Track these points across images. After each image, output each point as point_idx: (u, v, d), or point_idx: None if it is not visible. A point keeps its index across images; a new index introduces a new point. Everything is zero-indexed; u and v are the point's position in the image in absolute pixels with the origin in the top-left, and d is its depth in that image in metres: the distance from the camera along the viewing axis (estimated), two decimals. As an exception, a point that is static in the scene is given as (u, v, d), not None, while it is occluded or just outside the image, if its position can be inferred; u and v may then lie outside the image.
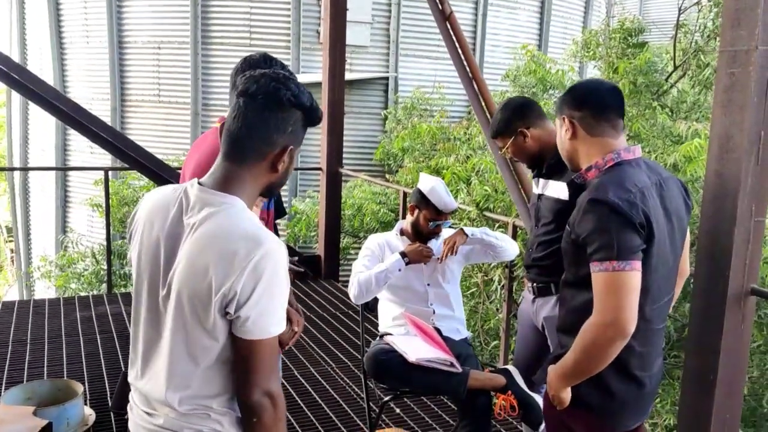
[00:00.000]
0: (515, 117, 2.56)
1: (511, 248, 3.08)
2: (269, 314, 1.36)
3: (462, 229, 3.01)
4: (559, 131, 2.01)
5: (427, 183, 2.99)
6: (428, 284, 3.01)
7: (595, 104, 1.91)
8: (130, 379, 1.53)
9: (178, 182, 1.87)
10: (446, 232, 3.07)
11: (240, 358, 1.38)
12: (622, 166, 1.86)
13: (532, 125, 2.54)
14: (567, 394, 1.88)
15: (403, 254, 2.90)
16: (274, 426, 1.40)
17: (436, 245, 3.04)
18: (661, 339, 1.98)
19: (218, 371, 1.41)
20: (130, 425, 1.54)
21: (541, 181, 2.59)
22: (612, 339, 1.71)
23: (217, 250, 1.34)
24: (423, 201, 2.97)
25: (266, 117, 1.41)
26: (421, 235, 3.03)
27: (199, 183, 1.44)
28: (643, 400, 1.93)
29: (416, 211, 3.01)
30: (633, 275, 1.70)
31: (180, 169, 2.86)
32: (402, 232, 3.10)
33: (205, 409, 1.43)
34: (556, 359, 1.93)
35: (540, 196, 2.59)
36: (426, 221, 2.98)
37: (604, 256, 1.70)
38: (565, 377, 1.85)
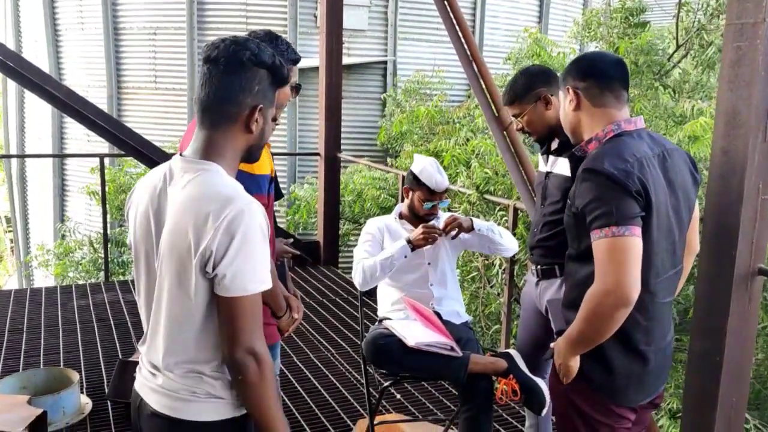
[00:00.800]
0: (539, 81, 2.45)
1: (511, 247, 3.04)
2: (246, 271, 1.38)
3: (472, 219, 2.95)
4: (563, 103, 1.99)
5: (419, 163, 2.94)
6: (428, 263, 2.96)
7: (600, 74, 1.90)
8: (139, 344, 1.59)
9: None
10: (443, 217, 3.02)
11: (222, 318, 1.41)
12: (622, 137, 1.85)
13: (554, 93, 2.44)
14: (575, 363, 1.86)
15: (408, 240, 2.85)
16: (261, 385, 1.42)
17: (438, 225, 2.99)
18: (669, 313, 1.95)
19: (209, 337, 1.45)
20: (136, 384, 1.60)
21: (551, 158, 2.50)
22: (614, 306, 1.69)
23: (194, 213, 1.39)
24: (415, 182, 2.93)
25: (231, 79, 1.45)
26: (418, 217, 2.98)
27: (182, 155, 1.50)
28: (648, 376, 1.89)
29: (410, 193, 2.98)
30: (633, 240, 1.68)
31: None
32: (401, 216, 3.05)
33: (198, 373, 1.47)
34: (562, 333, 1.91)
35: (548, 174, 2.51)
36: (420, 202, 2.94)
37: (604, 223, 1.70)
38: (571, 346, 1.83)
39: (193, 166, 1.45)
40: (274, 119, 2.19)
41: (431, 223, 2.95)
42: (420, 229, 2.84)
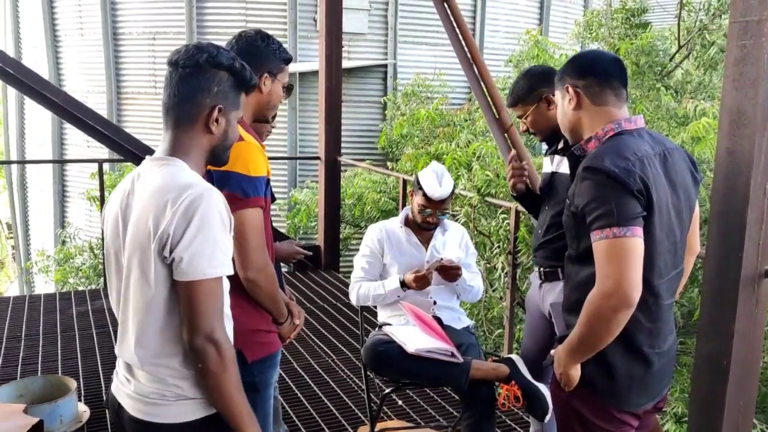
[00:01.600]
0: (541, 82, 2.43)
1: (469, 299, 3.08)
2: (204, 255, 1.38)
3: (462, 275, 2.87)
4: (561, 102, 1.95)
5: (427, 168, 2.91)
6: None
7: (600, 72, 1.87)
8: (116, 348, 1.59)
9: None
10: (452, 229, 3.01)
11: (181, 304, 1.41)
12: (622, 136, 1.81)
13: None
14: (576, 372, 1.81)
15: (402, 282, 2.82)
16: (223, 374, 1.42)
17: (441, 240, 2.96)
18: (671, 315, 1.91)
19: (172, 329, 1.44)
20: (113, 388, 1.61)
21: (556, 157, 2.47)
22: (616, 308, 1.65)
23: (154, 202, 1.41)
24: (417, 185, 2.89)
25: (189, 81, 1.50)
26: (419, 225, 2.93)
27: (149, 156, 1.55)
28: (651, 378, 1.85)
29: (413, 197, 2.94)
30: (635, 241, 1.65)
31: None
32: (407, 221, 3.01)
33: (166, 369, 1.46)
34: (562, 340, 1.87)
35: (554, 174, 2.48)
36: (418, 207, 2.89)
37: (604, 224, 1.66)
38: (572, 353, 1.79)
39: (158, 163, 1.50)
40: (272, 118, 2.17)
41: (435, 236, 2.93)
42: (414, 276, 2.79)
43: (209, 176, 1.85)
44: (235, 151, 1.71)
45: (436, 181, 2.84)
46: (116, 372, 1.61)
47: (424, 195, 2.84)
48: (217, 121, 1.52)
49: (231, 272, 1.46)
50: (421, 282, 2.78)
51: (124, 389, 1.55)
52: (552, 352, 1.91)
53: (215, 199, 1.42)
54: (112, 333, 4.58)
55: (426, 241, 2.98)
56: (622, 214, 1.64)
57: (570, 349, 1.79)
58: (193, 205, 1.38)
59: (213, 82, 1.51)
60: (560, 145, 2.46)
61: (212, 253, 1.39)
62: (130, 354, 1.49)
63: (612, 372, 1.80)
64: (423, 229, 2.95)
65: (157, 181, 1.44)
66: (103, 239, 1.52)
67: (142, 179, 1.50)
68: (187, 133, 1.52)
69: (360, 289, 2.93)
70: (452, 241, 3.02)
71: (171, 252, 1.38)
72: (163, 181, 1.44)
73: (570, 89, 1.88)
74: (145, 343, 1.46)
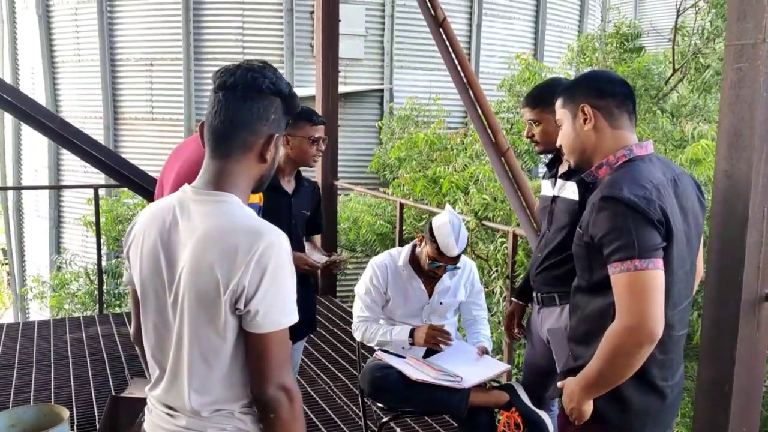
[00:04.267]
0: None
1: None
2: (278, 306, 1.35)
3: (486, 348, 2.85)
4: (571, 122, 1.87)
5: (441, 218, 2.73)
6: (425, 321, 2.87)
7: (618, 93, 1.83)
8: (147, 389, 1.51)
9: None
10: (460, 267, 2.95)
11: (252, 354, 1.36)
12: (635, 162, 1.77)
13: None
14: (589, 407, 1.76)
15: (410, 335, 2.73)
16: (293, 421, 1.38)
17: (447, 283, 2.90)
18: (682, 346, 1.87)
19: (237, 376, 1.40)
20: (147, 426, 1.53)
21: (558, 181, 2.41)
22: (639, 343, 1.60)
23: (219, 248, 1.33)
24: (430, 235, 2.72)
25: (248, 107, 1.40)
26: (425, 272, 2.83)
27: (192, 186, 1.43)
28: (665, 411, 1.81)
29: (422, 244, 2.81)
30: (657, 274, 1.61)
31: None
32: (411, 260, 2.88)
33: (227, 412, 1.42)
34: (569, 373, 1.82)
35: (555, 198, 2.42)
36: (426, 257, 2.75)
37: (625, 256, 1.61)
38: (587, 388, 1.73)
39: (209, 198, 1.40)
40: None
41: (440, 283, 2.87)
42: (425, 336, 2.69)
43: None
44: None
45: (452, 236, 2.65)
46: (149, 409, 1.53)
47: (438, 249, 2.69)
48: (270, 149, 1.44)
49: (297, 318, 1.39)
50: (434, 344, 2.72)
51: (166, 426, 1.47)
52: (559, 384, 1.86)
53: (285, 246, 1.36)
54: (106, 360, 4.53)
55: (431, 283, 2.88)
56: (643, 245, 1.60)
57: (586, 384, 1.73)
58: (266, 254, 1.32)
59: (271, 109, 1.43)
60: (563, 169, 2.41)
61: (284, 302, 1.36)
62: (183, 401, 1.42)
63: (626, 406, 1.75)
64: (429, 276, 2.83)
65: (217, 223, 1.36)
66: (137, 269, 1.48)
67: (189, 214, 1.40)
68: (240, 162, 1.42)
69: (366, 332, 2.82)
70: (457, 284, 2.92)
71: (246, 305, 1.32)
72: (223, 225, 1.36)
73: (587, 109, 1.82)
74: (206, 390, 1.40)
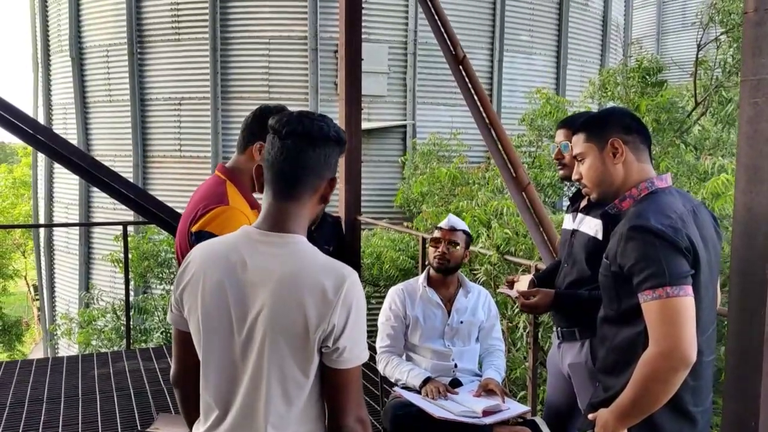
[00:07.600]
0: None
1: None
2: (359, 342, 1.42)
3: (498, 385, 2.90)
4: (598, 156, 1.93)
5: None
6: (448, 345, 2.96)
7: (643, 130, 1.92)
8: (205, 427, 1.49)
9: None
10: (475, 291, 3.07)
11: (333, 388, 1.42)
12: (657, 194, 1.83)
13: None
14: None
15: (425, 383, 2.82)
16: None
17: (463, 302, 3.00)
18: (711, 372, 1.88)
19: (312, 410, 1.44)
20: None
21: (579, 215, 2.43)
22: (674, 369, 1.62)
23: (306, 289, 1.38)
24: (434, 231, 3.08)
25: (317, 153, 1.49)
26: (439, 276, 3.01)
27: (256, 227, 1.48)
28: None
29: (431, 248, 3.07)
30: (688, 300, 1.64)
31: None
32: (428, 279, 3.06)
33: None
34: (599, 404, 1.82)
35: (574, 232, 2.43)
36: (432, 252, 3.01)
37: (656, 284, 1.64)
38: (622, 417, 1.73)
39: (279, 240, 1.45)
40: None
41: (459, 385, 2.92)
42: (434, 390, 2.75)
43: (191, 236, 1.94)
44: (215, 212, 1.85)
45: (451, 215, 3.04)
46: None
47: (437, 228, 3.03)
48: (330, 191, 1.53)
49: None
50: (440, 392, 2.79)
51: None
52: (591, 416, 1.85)
53: (359, 283, 1.44)
54: (132, 395, 4.57)
55: (448, 302, 2.99)
56: (674, 272, 1.64)
57: (621, 413, 1.73)
58: (350, 292, 1.39)
59: (334, 155, 1.52)
60: (584, 203, 2.43)
61: (363, 338, 1.43)
62: None
63: None
64: (439, 270, 3.00)
65: (297, 263, 1.41)
66: (199, 306, 1.46)
67: (258, 255, 1.44)
68: (305, 205, 1.49)
69: (387, 367, 2.95)
70: (475, 304, 3.03)
71: (334, 342, 1.38)
72: (305, 266, 1.41)
73: (618, 143, 1.89)
74: (283, 426, 1.43)
